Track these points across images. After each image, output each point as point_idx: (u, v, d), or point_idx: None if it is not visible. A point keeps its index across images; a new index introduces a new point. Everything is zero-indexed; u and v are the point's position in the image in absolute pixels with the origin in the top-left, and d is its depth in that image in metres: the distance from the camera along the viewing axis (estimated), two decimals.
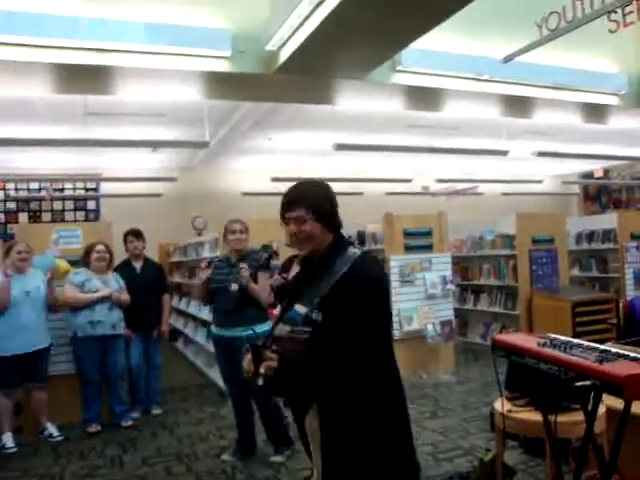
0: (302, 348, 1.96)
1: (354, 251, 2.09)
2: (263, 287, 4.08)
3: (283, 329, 2.06)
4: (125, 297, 5.21)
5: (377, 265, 2.19)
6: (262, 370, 1.92)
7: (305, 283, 2.17)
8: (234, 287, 3.96)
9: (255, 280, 4.04)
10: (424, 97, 6.30)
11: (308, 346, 1.98)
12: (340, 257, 2.06)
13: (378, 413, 2.05)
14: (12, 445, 4.68)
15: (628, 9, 3.87)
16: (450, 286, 6.78)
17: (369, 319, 1.97)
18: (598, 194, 14.47)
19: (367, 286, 2.00)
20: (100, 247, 5.15)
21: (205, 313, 7.03)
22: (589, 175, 14.15)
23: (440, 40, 5.27)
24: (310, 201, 2.09)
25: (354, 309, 1.96)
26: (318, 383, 2.01)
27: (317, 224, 2.08)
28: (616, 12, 3.94)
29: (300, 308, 2.06)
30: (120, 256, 5.80)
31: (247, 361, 2.03)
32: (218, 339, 4.27)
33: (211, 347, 6.70)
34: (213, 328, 4.40)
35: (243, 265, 3.99)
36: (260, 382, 1.95)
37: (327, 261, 2.08)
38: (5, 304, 4.66)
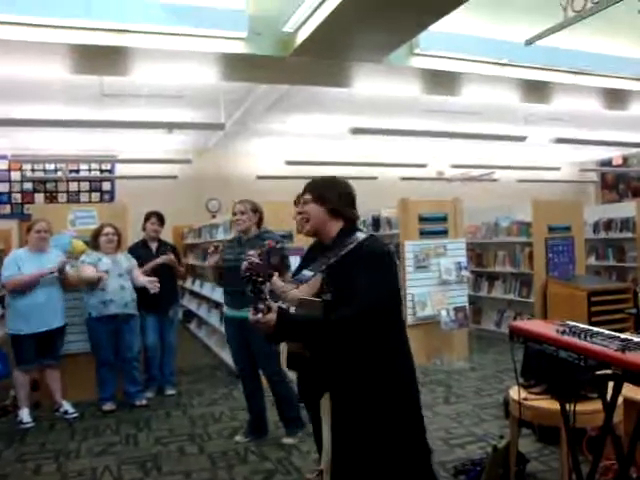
0: (318, 312, 2.17)
1: (361, 234, 2.33)
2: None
3: (288, 288, 2.39)
4: (137, 274, 5.24)
5: (382, 244, 2.38)
6: (260, 306, 2.09)
7: (314, 259, 2.38)
8: (243, 268, 3.91)
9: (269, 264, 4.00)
10: (441, 81, 6.21)
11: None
12: (347, 238, 2.30)
13: (388, 390, 2.14)
14: (29, 420, 4.77)
15: None
16: (465, 272, 6.74)
17: (375, 283, 2.13)
18: (616, 182, 14.27)
19: (371, 258, 2.21)
20: (108, 229, 5.20)
21: (218, 295, 7.06)
22: (607, 163, 13.96)
23: (459, 22, 5.16)
24: (316, 188, 2.42)
25: (360, 275, 2.14)
26: (328, 340, 2.15)
27: (316, 206, 2.36)
28: None
29: (307, 272, 2.33)
30: (136, 236, 5.83)
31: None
32: (229, 320, 4.27)
33: (223, 328, 6.76)
34: (225, 309, 4.41)
35: (251, 252, 3.93)
36: (258, 317, 2.08)
37: (335, 243, 2.33)
38: (20, 289, 4.74)
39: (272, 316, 2.07)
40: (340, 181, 2.46)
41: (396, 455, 2.11)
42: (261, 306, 2.07)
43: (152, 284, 5.12)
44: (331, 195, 2.37)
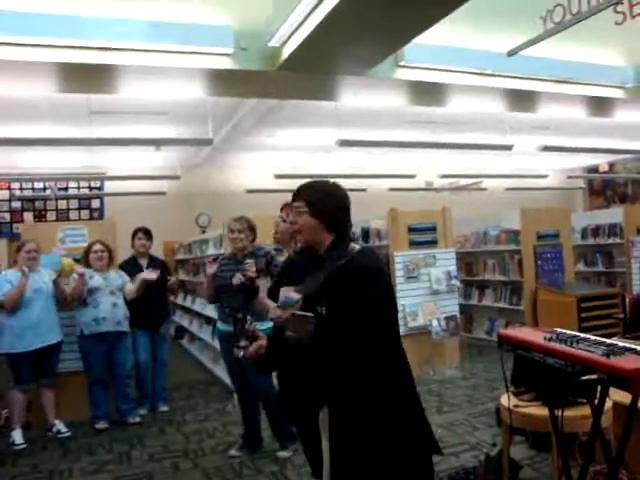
0: (310, 327, 2.04)
1: (353, 246, 2.17)
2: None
3: (276, 313, 2.16)
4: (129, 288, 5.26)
5: (375, 258, 2.23)
6: (242, 343, 2.07)
7: (295, 277, 2.23)
8: (237, 280, 3.93)
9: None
10: (427, 92, 6.28)
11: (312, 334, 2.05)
12: (339, 252, 2.14)
13: (386, 403, 2.06)
14: (22, 441, 4.73)
15: (635, 0, 3.84)
16: (455, 282, 6.77)
17: (367, 306, 2.01)
18: (603, 188, 14.42)
19: (362, 275, 2.06)
20: (97, 247, 5.20)
21: (210, 310, 7.05)
22: (594, 169, 14.11)
23: (443, 35, 5.24)
24: (309, 197, 2.19)
25: (351, 296, 2.01)
26: (322, 369, 2.05)
27: (312, 219, 2.17)
28: (622, 3, 3.91)
29: (294, 295, 2.13)
30: (125, 253, 5.83)
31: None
32: (224, 335, 4.27)
33: (216, 344, 6.72)
34: (219, 324, 4.41)
35: (249, 261, 3.96)
36: (240, 354, 2.08)
37: (327, 255, 2.16)
38: (17, 302, 4.73)
39: (262, 342, 2.05)
40: (336, 189, 2.27)
41: (396, 466, 2.07)
42: (242, 343, 2.06)
43: (149, 275, 5.17)
44: (327, 209, 2.18)
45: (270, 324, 2.23)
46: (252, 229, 4.26)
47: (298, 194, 2.24)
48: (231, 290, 4.02)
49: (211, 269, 4.18)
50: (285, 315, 2.12)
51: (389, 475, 2.05)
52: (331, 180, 2.36)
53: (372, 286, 2.06)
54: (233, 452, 4.36)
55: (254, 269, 3.90)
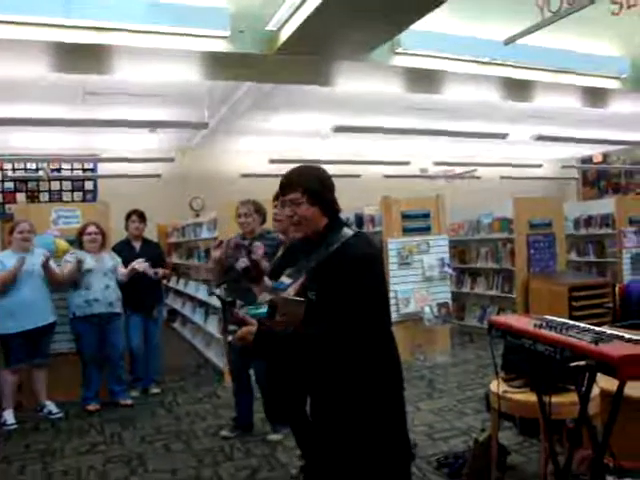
0: (301, 312, 2.05)
1: (348, 231, 2.13)
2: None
3: (266, 297, 2.18)
4: (121, 271, 5.25)
5: (369, 244, 2.19)
6: (231, 328, 2.06)
7: (296, 260, 2.24)
8: (241, 264, 3.89)
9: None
10: (423, 79, 6.27)
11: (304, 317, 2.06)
12: (333, 237, 2.10)
13: (370, 392, 2.05)
14: (13, 422, 4.76)
15: None
16: (447, 269, 6.80)
17: (358, 295, 1.98)
18: (597, 179, 14.45)
19: (356, 263, 2.02)
20: (91, 228, 5.19)
21: (202, 293, 7.07)
22: (588, 160, 14.13)
23: (440, 22, 5.23)
24: (305, 184, 2.12)
25: (343, 285, 1.98)
26: (307, 355, 2.04)
27: (311, 207, 2.12)
28: None
29: (285, 279, 2.18)
30: (119, 236, 5.82)
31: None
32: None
33: (208, 327, 6.76)
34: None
35: (257, 243, 3.93)
36: (229, 339, 2.10)
37: (320, 241, 2.13)
38: (6, 286, 4.72)
39: (251, 328, 1.99)
40: (321, 169, 2.24)
41: (375, 454, 2.05)
42: (231, 328, 2.05)
43: (140, 265, 5.20)
44: (324, 192, 2.15)
45: (265, 309, 2.22)
46: (260, 212, 4.27)
47: (290, 185, 2.16)
48: (236, 276, 3.99)
49: (216, 253, 4.11)
50: (276, 299, 2.13)
51: (367, 465, 2.06)
52: (311, 162, 2.33)
53: (364, 274, 2.02)
54: (225, 433, 4.40)
55: (261, 252, 3.87)
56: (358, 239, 2.13)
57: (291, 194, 2.13)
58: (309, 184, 2.13)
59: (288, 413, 3.25)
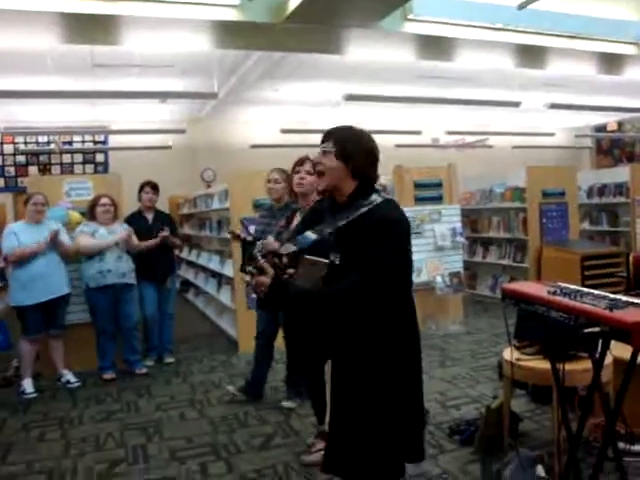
0: (322, 273, 2.06)
1: (376, 197, 2.13)
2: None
3: (289, 248, 2.18)
4: (134, 240, 5.31)
5: (398, 210, 2.18)
6: (249, 268, 2.05)
7: (321, 221, 2.22)
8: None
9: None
10: (435, 46, 6.18)
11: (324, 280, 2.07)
12: (362, 200, 2.11)
13: (389, 351, 2.09)
14: (32, 390, 4.84)
15: None
16: (460, 238, 6.78)
17: (383, 255, 1.99)
18: (611, 147, 14.27)
19: (385, 224, 2.04)
20: (105, 200, 5.20)
21: (215, 264, 7.11)
22: (602, 128, 13.93)
23: None
24: (340, 139, 2.14)
25: (369, 244, 2.00)
26: (325, 312, 2.07)
27: (337, 161, 2.12)
28: None
29: (310, 234, 2.16)
30: (131, 207, 5.84)
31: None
32: None
33: (221, 297, 6.81)
34: None
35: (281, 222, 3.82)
36: (246, 279, 2.07)
37: (349, 204, 2.14)
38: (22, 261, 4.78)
39: (265, 279, 2.02)
40: (366, 136, 2.20)
41: (390, 416, 2.10)
42: (249, 268, 2.03)
43: (148, 243, 5.38)
44: (357, 153, 2.12)
45: (313, 237, 2.20)
46: (288, 181, 4.25)
47: (328, 135, 2.18)
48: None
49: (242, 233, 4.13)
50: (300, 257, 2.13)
51: (382, 428, 2.09)
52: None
53: (392, 235, 2.04)
54: (230, 388, 4.52)
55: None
56: (388, 203, 2.14)
57: (325, 142, 2.17)
58: (344, 140, 2.14)
59: (308, 369, 3.28)
